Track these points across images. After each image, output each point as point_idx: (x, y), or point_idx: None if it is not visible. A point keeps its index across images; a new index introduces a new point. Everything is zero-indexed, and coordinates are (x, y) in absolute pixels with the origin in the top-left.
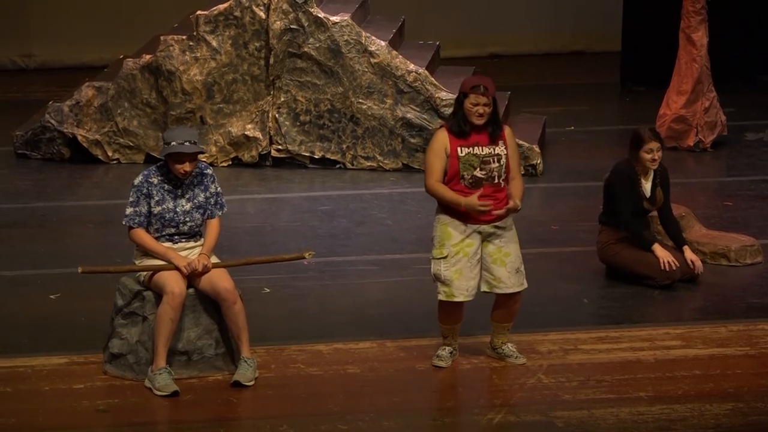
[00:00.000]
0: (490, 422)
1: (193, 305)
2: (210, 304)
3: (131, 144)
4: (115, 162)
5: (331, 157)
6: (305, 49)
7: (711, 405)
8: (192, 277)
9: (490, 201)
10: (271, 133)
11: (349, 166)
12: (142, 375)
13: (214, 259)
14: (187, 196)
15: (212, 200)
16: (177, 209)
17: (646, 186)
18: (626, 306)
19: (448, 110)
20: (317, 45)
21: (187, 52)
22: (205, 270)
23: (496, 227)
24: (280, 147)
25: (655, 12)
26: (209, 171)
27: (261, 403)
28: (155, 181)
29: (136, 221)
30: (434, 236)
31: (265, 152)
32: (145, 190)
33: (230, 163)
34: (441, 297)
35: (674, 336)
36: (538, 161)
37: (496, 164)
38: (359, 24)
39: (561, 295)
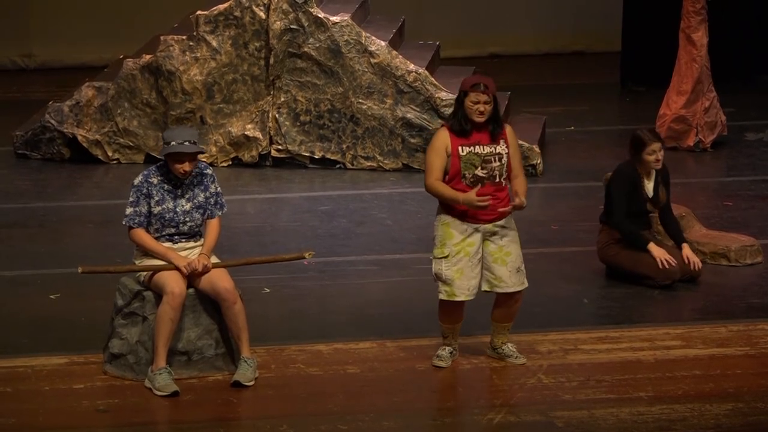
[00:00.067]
0: (490, 422)
1: (193, 305)
2: (210, 304)
3: (131, 144)
4: (115, 162)
5: (331, 157)
6: (305, 49)
7: (711, 405)
8: (192, 277)
9: (491, 200)
10: (271, 133)
11: (349, 166)
12: (142, 375)
13: (214, 259)
14: (187, 196)
15: (212, 200)
16: (177, 209)
17: (649, 186)
18: (626, 306)
19: (448, 110)
20: (317, 45)
21: (187, 52)
22: (205, 270)
23: (498, 226)
24: (280, 147)
25: (655, 12)
26: (209, 171)
27: (261, 403)
28: (155, 181)
29: (136, 221)
30: (435, 236)
31: (265, 152)
32: (144, 190)
33: (230, 163)
34: (442, 296)
35: (674, 336)
36: (538, 161)
37: (498, 163)
38: (359, 24)
39: (561, 295)
